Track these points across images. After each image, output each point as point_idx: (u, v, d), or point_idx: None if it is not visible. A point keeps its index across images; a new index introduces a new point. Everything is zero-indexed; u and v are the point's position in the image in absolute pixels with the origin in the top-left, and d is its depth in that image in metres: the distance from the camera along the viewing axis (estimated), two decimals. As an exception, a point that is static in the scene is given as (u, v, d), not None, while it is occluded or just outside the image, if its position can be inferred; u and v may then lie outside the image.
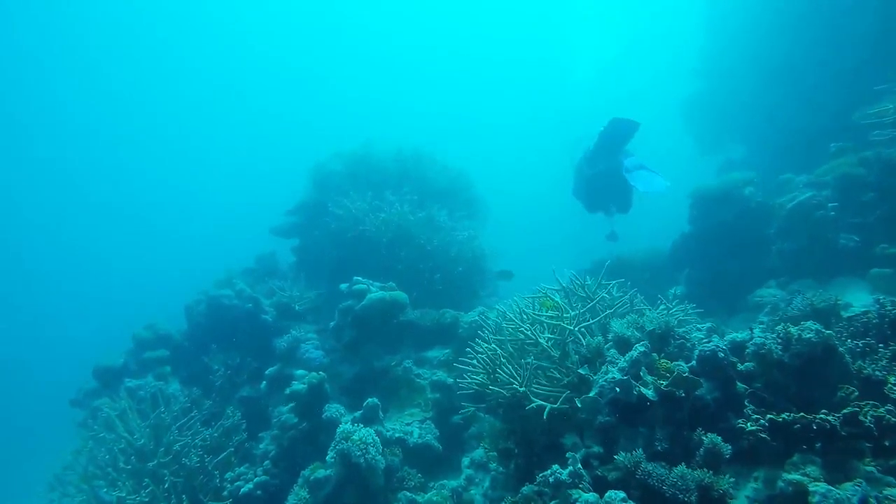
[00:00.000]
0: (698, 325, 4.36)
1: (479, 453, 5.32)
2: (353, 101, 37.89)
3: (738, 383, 3.65)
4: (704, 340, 3.94)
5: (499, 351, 4.22)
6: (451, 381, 5.91)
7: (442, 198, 8.59)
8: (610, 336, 4.09)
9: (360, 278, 6.22)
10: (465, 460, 5.27)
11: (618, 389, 3.49)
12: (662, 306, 4.65)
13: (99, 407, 6.25)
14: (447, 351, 6.33)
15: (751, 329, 4.04)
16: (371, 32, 37.90)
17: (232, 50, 38.09)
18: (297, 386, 5.49)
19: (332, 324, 6.29)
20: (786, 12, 11.16)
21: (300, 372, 5.74)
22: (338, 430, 4.70)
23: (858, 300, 5.25)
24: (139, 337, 7.22)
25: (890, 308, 4.11)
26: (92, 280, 36.17)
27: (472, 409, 4.62)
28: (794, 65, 10.68)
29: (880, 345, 3.69)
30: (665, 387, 3.41)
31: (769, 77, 11.73)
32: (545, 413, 3.70)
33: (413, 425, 5.49)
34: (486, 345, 4.39)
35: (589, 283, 4.54)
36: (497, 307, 5.81)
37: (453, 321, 6.47)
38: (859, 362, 3.54)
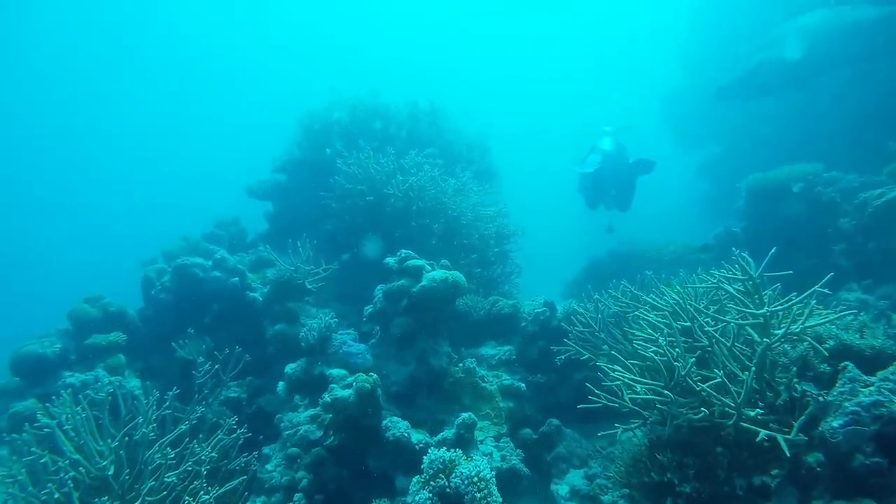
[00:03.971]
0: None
1: (575, 480, 4.23)
2: (339, 60, 34.54)
3: None
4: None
5: (686, 356, 3.13)
6: (522, 385, 4.75)
7: (460, 164, 7.32)
8: (828, 344, 3.16)
9: (410, 252, 4.84)
10: (562, 489, 4.15)
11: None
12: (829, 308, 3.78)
13: (27, 413, 4.40)
14: (508, 348, 5.15)
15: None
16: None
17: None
18: (341, 392, 4.06)
19: (368, 309, 4.86)
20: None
21: (338, 372, 4.28)
22: (427, 458, 3.38)
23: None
24: (80, 314, 5.29)
25: None
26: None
27: (635, 425, 3.46)
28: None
29: None
30: None
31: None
32: (785, 448, 2.66)
33: (487, 443, 4.27)
34: (667, 347, 3.26)
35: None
36: (595, 296, 4.72)
37: (512, 312, 5.29)
38: None
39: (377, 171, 6.09)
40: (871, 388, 2.79)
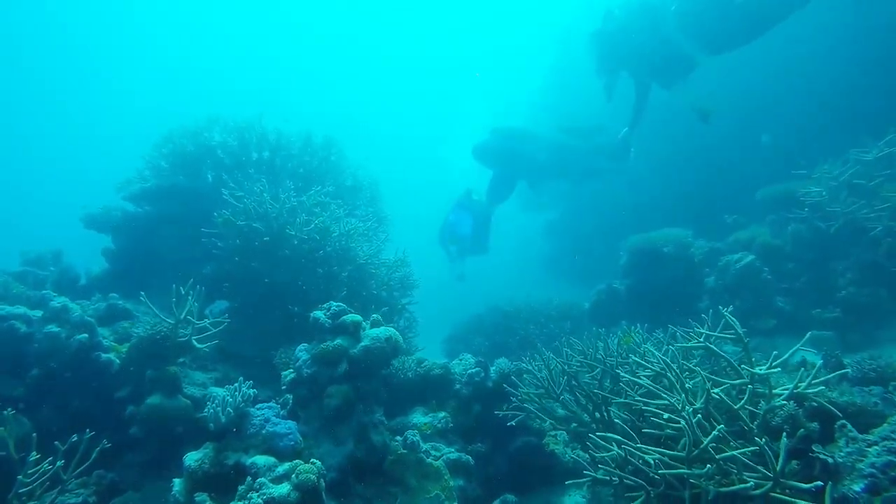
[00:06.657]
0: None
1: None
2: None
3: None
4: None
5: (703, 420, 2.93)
6: (471, 459, 4.17)
7: (356, 205, 6.66)
8: (813, 402, 3.22)
9: (342, 305, 4.02)
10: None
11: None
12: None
13: None
14: (442, 415, 4.54)
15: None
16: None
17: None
18: (276, 489, 3.05)
19: (289, 375, 3.87)
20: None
21: (263, 460, 3.24)
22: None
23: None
24: None
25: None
26: None
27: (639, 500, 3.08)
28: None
29: None
30: None
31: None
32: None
33: (444, 534, 3.57)
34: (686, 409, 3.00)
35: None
36: (545, 354, 4.36)
37: (444, 374, 4.73)
38: None
39: (274, 207, 5.15)
40: (875, 447, 2.86)
